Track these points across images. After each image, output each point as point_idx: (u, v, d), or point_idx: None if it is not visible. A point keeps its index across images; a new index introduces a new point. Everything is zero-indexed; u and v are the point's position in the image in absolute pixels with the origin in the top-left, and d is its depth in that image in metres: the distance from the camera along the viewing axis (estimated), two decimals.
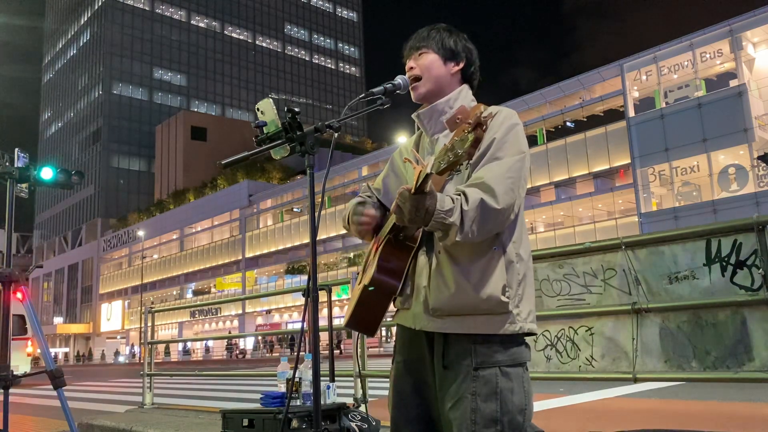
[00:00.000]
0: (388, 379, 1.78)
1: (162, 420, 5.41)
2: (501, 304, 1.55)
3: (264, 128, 1.86)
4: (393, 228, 1.66)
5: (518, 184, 1.57)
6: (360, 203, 1.81)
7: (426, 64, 1.76)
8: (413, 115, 1.82)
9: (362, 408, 4.28)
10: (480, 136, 1.41)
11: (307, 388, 3.44)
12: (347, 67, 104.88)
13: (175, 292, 63.85)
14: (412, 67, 1.78)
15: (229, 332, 54.28)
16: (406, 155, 1.82)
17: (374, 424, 3.63)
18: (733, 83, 28.87)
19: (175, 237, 65.00)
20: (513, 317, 1.58)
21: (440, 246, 1.59)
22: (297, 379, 3.46)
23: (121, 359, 56.54)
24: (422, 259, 1.64)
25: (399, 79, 1.80)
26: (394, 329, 1.84)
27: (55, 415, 7.45)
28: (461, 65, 1.78)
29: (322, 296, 4.77)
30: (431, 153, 1.74)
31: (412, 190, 1.44)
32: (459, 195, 1.51)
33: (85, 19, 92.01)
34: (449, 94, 1.76)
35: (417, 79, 1.77)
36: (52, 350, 58.00)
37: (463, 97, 1.76)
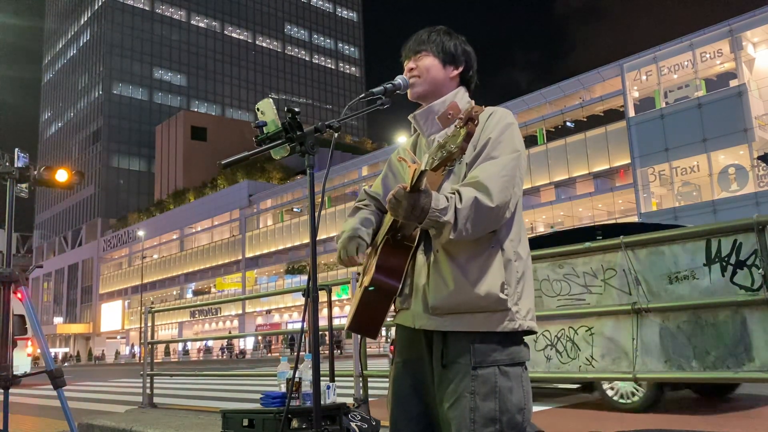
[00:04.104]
0: (387, 379, 1.78)
1: (162, 420, 5.41)
2: (499, 301, 1.56)
3: (264, 128, 1.86)
4: (391, 228, 1.66)
5: (513, 182, 1.57)
6: (354, 238, 1.75)
7: (425, 66, 1.77)
8: (410, 117, 1.82)
9: (362, 408, 4.28)
10: (471, 130, 1.42)
11: (307, 388, 3.44)
12: (347, 67, 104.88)
13: (175, 292, 63.84)
14: (411, 68, 1.79)
15: (229, 332, 54.29)
16: (402, 155, 1.83)
17: (374, 424, 3.63)
18: (733, 83, 28.87)
19: (175, 237, 65.00)
20: (512, 315, 1.58)
21: (438, 244, 1.60)
22: (297, 379, 3.46)
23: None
24: (421, 258, 1.65)
25: (399, 79, 1.80)
26: (393, 329, 1.84)
27: (55, 415, 7.45)
28: (460, 69, 1.80)
29: (322, 296, 4.78)
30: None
31: (408, 188, 1.44)
32: (454, 194, 1.52)
33: (85, 19, 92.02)
34: (445, 95, 1.77)
35: (416, 79, 1.78)
36: (52, 350, 57.97)
37: (459, 98, 1.77)
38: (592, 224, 33.56)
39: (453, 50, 1.78)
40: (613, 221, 33.07)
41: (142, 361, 7.35)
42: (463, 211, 1.49)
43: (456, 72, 1.79)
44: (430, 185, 1.54)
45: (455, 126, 1.43)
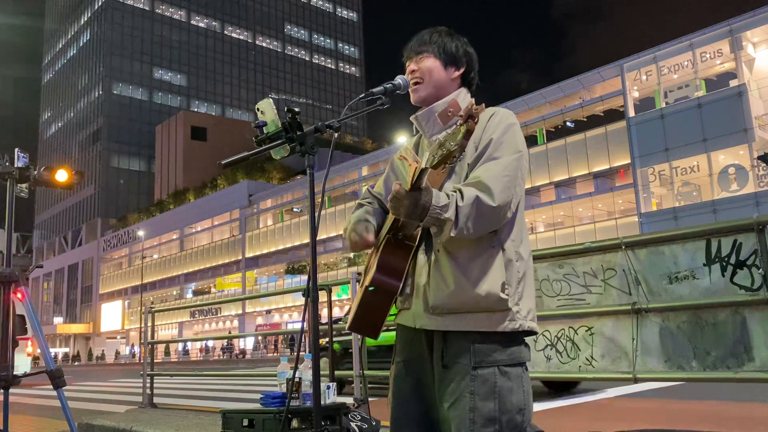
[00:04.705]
0: (388, 380, 1.78)
1: (162, 420, 5.40)
2: (500, 301, 1.56)
3: (264, 128, 1.86)
4: (392, 227, 1.66)
5: (515, 182, 1.58)
6: (362, 221, 1.76)
7: (427, 68, 1.77)
8: (412, 118, 1.83)
9: (362, 408, 4.27)
10: (471, 128, 1.42)
11: (307, 388, 3.44)
12: (347, 67, 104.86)
13: (175, 292, 63.83)
14: (413, 70, 1.79)
15: (229, 332, 54.28)
16: (404, 154, 1.83)
17: (374, 424, 3.63)
18: (733, 83, 28.87)
19: (175, 237, 64.99)
20: (513, 315, 1.58)
21: (439, 244, 1.60)
22: (297, 379, 3.46)
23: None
24: (421, 257, 1.65)
25: (399, 79, 1.80)
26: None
27: (55, 415, 7.45)
28: (461, 71, 1.80)
29: (322, 296, 4.78)
30: None
31: (408, 187, 1.44)
32: (455, 192, 1.53)
33: (85, 19, 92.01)
34: (446, 97, 1.77)
35: (418, 82, 1.78)
36: (52, 350, 57.92)
37: (461, 99, 1.78)
38: (592, 224, 33.56)
39: (454, 51, 1.79)
40: (613, 221, 33.09)
41: (142, 361, 7.35)
42: (464, 209, 1.49)
43: (457, 73, 1.79)
44: (432, 184, 1.55)
45: (456, 124, 1.43)
